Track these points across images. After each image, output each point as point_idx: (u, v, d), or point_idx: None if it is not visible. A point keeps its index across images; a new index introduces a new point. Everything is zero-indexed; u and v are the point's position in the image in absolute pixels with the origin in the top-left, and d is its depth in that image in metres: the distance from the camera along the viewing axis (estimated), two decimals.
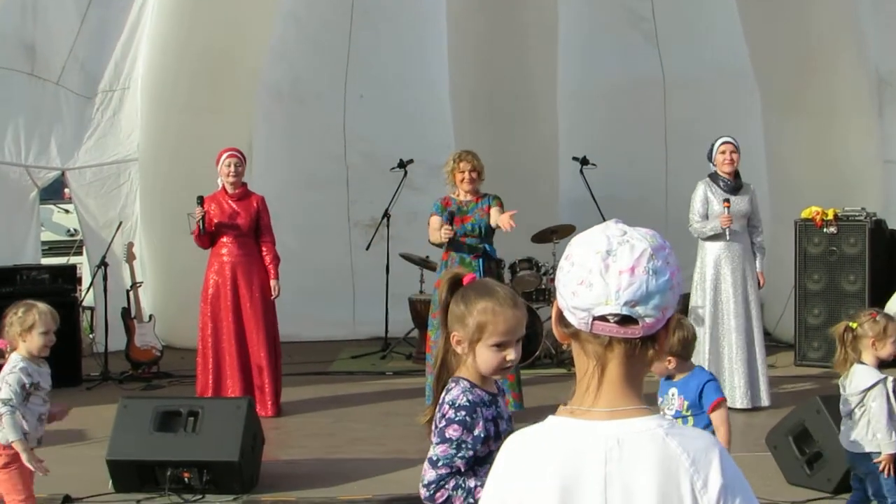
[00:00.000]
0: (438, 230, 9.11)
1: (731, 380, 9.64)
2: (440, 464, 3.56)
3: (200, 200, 9.55)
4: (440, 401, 3.65)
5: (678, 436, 2.07)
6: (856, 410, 6.00)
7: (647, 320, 2.07)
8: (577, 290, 2.08)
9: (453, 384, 3.64)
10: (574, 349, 2.16)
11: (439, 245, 9.30)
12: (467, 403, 3.60)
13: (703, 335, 9.72)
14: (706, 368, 9.56)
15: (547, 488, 2.06)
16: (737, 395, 9.63)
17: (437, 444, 3.59)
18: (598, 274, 2.06)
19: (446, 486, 3.54)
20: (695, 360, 9.67)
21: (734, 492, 2.05)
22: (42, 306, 6.03)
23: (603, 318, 2.07)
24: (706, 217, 9.71)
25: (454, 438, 3.58)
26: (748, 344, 9.70)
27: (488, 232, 9.31)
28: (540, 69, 13.68)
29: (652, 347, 2.11)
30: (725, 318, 9.71)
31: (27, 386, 5.85)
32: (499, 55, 13.37)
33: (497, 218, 9.16)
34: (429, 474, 3.57)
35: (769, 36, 12.50)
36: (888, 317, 6.07)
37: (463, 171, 9.16)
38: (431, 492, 3.55)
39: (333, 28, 14.03)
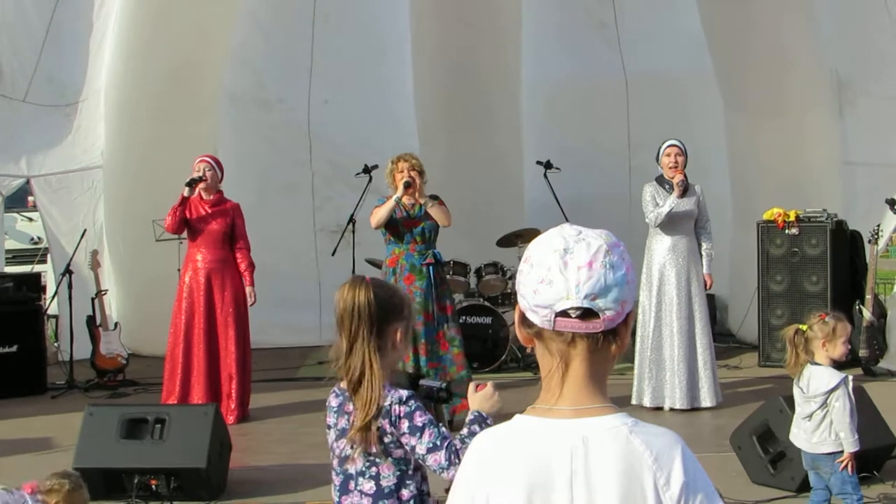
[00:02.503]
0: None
1: (672, 380, 9.73)
2: (439, 442, 3.66)
3: (198, 178, 9.61)
4: (384, 412, 3.68)
5: (642, 434, 2.10)
6: (817, 412, 6.03)
7: (608, 313, 2.11)
8: (538, 289, 2.12)
9: (387, 391, 3.71)
10: (538, 349, 2.19)
11: (384, 224, 9.12)
12: (411, 393, 3.76)
13: (648, 335, 9.82)
14: (648, 368, 9.78)
15: (514, 487, 2.09)
16: (676, 395, 9.71)
17: (420, 436, 3.66)
18: (557, 271, 2.10)
19: (456, 447, 3.65)
20: (640, 359, 9.90)
21: (696, 489, 2.08)
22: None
23: (565, 314, 2.10)
24: None
25: (427, 420, 3.69)
26: (689, 345, 9.74)
27: (436, 236, 9.27)
28: (503, 74, 13.74)
29: (614, 342, 2.15)
30: (668, 318, 9.79)
31: None
32: (462, 60, 13.42)
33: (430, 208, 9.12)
34: (440, 456, 3.65)
35: (730, 39, 12.59)
36: (838, 318, 6.10)
37: (402, 171, 9.13)
38: (454, 460, 3.61)
39: (296, 33, 14.03)
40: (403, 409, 3.68)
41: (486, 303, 12.08)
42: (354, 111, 14.07)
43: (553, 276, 2.11)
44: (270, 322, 12.99)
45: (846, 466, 5.97)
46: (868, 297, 11.29)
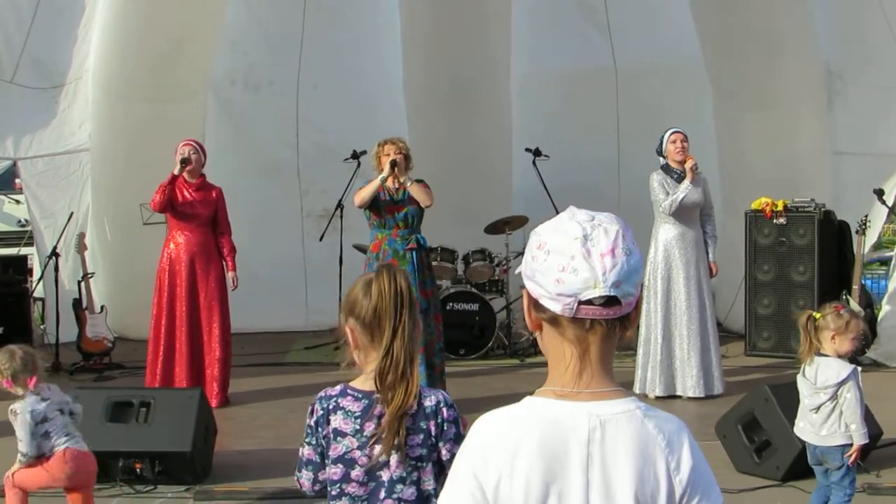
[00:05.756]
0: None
1: (683, 369, 9.72)
2: None
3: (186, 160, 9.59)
4: (429, 412, 3.47)
5: (654, 418, 2.15)
6: (827, 403, 5.98)
7: (629, 298, 2.13)
8: (561, 277, 2.11)
9: (434, 392, 3.54)
10: (549, 335, 2.19)
11: (367, 204, 9.07)
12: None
13: (656, 324, 9.80)
14: (659, 356, 9.75)
15: (530, 468, 2.09)
16: (689, 383, 9.71)
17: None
18: (581, 258, 2.10)
19: None
20: (647, 348, 9.87)
21: (700, 473, 2.14)
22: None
23: (588, 302, 2.11)
24: None
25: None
26: (702, 332, 9.76)
27: (419, 221, 9.25)
28: (493, 60, 13.69)
29: (627, 327, 2.18)
30: (678, 307, 9.78)
31: (37, 424, 6.14)
32: (452, 46, 13.38)
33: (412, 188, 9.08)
34: None
35: (720, 27, 12.58)
36: (853, 313, 6.07)
37: (388, 154, 9.09)
38: None
39: (287, 16, 13.99)
40: (451, 413, 3.49)
41: (474, 289, 12.07)
42: (343, 97, 14.03)
43: (578, 265, 2.10)
44: (257, 307, 12.97)
45: (855, 459, 5.96)
46: (855, 287, 11.31)
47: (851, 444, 5.93)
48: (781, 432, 7.24)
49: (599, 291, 2.09)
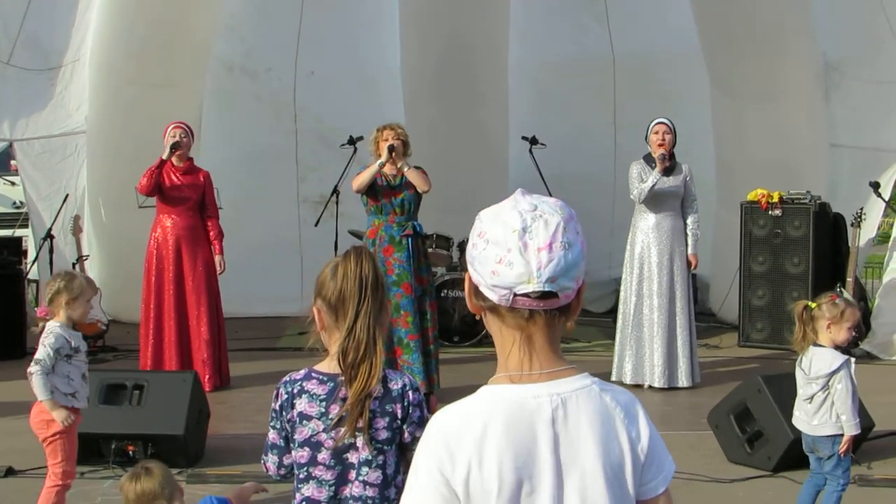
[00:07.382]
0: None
1: (651, 358, 9.74)
2: None
3: (177, 145, 9.57)
4: (396, 395, 3.48)
5: (609, 391, 2.19)
6: (819, 393, 5.99)
7: (567, 291, 2.14)
8: (497, 269, 2.11)
9: (389, 373, 3.54)
10: (491, 321, 2.20)
11: (365, 189, 9.05)
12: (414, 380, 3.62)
13: (629, 312, 9.83)
14: (629, 345, 9.78)
15: (500, 454, 2.09)
16: (656, 373, 9.71)
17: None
18: (517, 252, 2.10)
19: None
20: (622, 337, 9.90)
21: (657, 441, 2.20)
22: (82, 276, 6.25)
23: (524, 294, 2.11)
24: None
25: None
26: (669, 325, 9.75)
27: (416, 207, 9.25)
28: (491, 48, 13.68)
29: (568, 318, 2.19)
30: (648, 298, 9.79)
31: (67, 348, 5.90)
32: (450, 34, 13.36)
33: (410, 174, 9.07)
34: None
35: (718, 18, 12.55)
36: (849, 302, 6.07)
37: (386, 139, 9.08)
38: None
39: (285, 3, 13.96)
40: (416, 396, 3.50)
41: None
42: (341, 83, 14.02)
43: (513, 258, 2.10)
44: (252, 291, 12.98)
45: (846, 450, 5.96)
46: (849, 279, 11.32)
47: (842, 435, 5.93)
48: (773, 423, 7.26)
49: (533, 287, 2.10)
